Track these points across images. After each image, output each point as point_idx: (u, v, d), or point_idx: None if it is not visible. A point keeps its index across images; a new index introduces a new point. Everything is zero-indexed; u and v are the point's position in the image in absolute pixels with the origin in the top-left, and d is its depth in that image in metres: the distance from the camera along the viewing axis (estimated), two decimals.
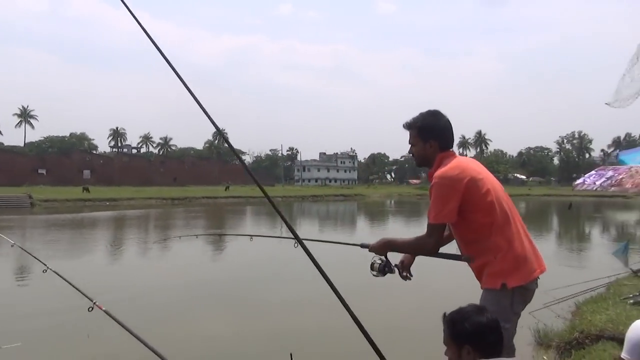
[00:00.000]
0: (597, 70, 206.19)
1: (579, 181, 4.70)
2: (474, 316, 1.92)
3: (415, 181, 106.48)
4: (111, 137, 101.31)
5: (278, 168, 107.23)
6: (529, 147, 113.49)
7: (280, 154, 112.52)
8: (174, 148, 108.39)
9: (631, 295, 5.96)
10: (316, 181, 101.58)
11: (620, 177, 4.73)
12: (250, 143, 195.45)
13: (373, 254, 2.71)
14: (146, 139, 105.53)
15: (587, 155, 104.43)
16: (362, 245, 2.81)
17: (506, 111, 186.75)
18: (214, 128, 2.53)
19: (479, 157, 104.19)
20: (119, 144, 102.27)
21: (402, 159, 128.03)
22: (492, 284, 2.47)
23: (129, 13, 2.57)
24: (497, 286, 2.44)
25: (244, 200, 46.49)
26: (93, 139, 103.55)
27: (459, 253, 2.67)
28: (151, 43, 2.55)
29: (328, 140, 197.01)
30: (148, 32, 2.54)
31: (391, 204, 49.01)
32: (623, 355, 2.52)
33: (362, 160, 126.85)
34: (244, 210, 35.14)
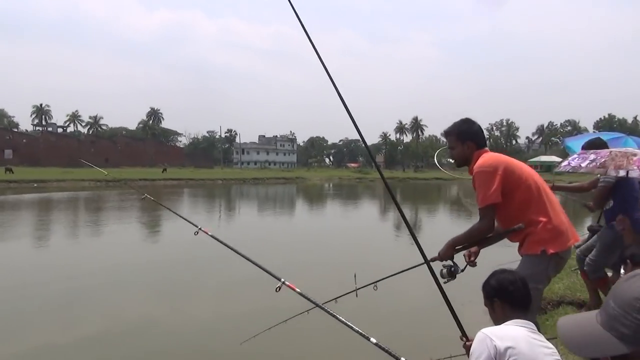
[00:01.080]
0: (525, 63, 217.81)
1: (564, 164, 5.11)
2: (498, 274, 2.31)
3: (353, 165, 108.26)
4: (34, 115, 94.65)
5: (216, 150, 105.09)
6: None
7: (218, 136, 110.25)
8: (104, 128, 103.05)
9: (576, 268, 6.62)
10: (255, 164, 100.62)
11: (603, 160, 5.10)
12: (187, 124, 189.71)
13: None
14: (74, 117, 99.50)
15: (513, 142, 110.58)
16: (432, 260, 2.88)
17: (440, 98, 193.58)
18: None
19: (415, 142, 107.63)
20: (44, 123, 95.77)
21: (341, 143, 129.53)
22: (532, 250, 2.88)
23: None
24: (537, 252, 2.85)
25: (183, 182, 45.41)
26: (13, 117, 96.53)
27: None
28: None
29: (267, 123, 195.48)
30: None
31: (330, 187, 49.74)
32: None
33: (302, 144, 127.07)
34: (183, 193, 34.41)
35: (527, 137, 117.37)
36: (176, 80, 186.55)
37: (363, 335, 2.36)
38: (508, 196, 2.89)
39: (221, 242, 3.28)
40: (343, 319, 2.54)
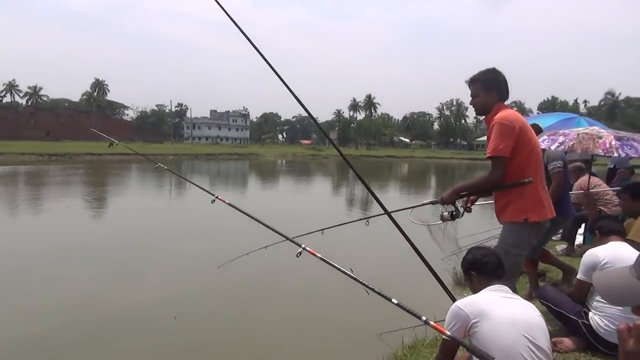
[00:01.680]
0: (472, 45, 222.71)
1: None
2: (473, 250, 2.62)
3: (306, 141, 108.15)
4: None
5: (165, 125, 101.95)
6: (412, 112, 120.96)
7: (167, 110, 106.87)
8: (45, 99, 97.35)
9: None
10: (207, 139, 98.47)
11: (572, 143, 5.24)
12: (134, 97, 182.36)
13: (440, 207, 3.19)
14: (11, 86, 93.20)
15: (462, 121, 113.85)
16: (433, 202, 3.26)
17: (394, 77, 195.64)
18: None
19: (368, 119, 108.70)
20: None
21: (294, 119, 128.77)
22: (516, 217, 3.03)
23: None
24: (520, 219, 3.00)
25: (133, 157, 43.85)
26: None
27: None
28: None
29: (219, 97, 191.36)
30: None
31: (282, 163, 49.72)
32: (579, 276, 3.38)
33: (255, 120, 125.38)
34: (132, 168, 33.39)
35: (475, 117, 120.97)
36: (121, 51, 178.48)
37: (384, 297, 2.43)
38: (513, 154, 2.98)
39: (238, 209, 3.38)
40: (365, 282, 2.60)
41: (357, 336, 4.93)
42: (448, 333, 2.24)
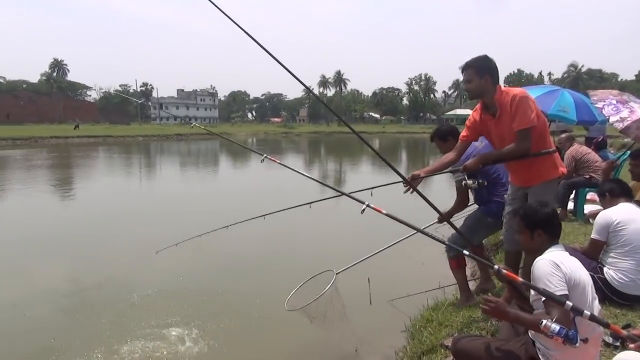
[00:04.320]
0: (442, 16, 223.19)
1: (613, 117, 4.91)
2: (542, 209, 2.57)
3: (276, 119, 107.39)
4: None
5: (131, 105, 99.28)
6: (382, 88, 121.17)
7: (132, 90, 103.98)
8: (1, 80, 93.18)
9: None
10: (175, 119, 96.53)
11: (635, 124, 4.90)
12: (97, 77, 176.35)
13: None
14: None
15: (431, 96, 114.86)
16: (454, 170, 3.58)
17: (362, 51, 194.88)
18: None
19: (338, 95, 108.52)
20: None
21: (263, 97, 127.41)
22: (552, 174, 3.42)
23: None
24: (556, 175, 3.43)
25: (100, 139, 42.81)
26: None
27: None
28: None
29: (186, 76, 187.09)
30: None
31: (253, 142, 49.48)
32: (593, 236, 3.72)
33: (223, 98, 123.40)
34: (100, 151, 32.75)
35: (444, 91, 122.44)
36: (79, 30, 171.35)
37: (488, 265, 2.69)
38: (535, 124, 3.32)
39: (289, 167, 3.57)
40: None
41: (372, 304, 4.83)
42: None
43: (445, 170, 3.63)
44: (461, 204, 4.09)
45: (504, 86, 3.47)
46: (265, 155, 3.65)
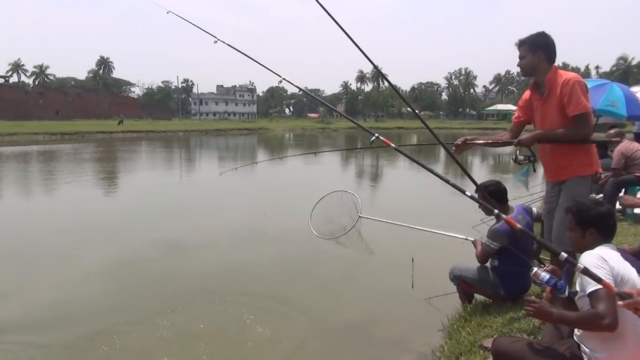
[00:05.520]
0: (484, 14, 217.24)
1: None
2: (596, 207, 2.43)
3: (313, 115, 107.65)
4: None
5: (172, 101, 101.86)
6: (420, 83, 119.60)
7: (174, 86, 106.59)
8: (51, 78, 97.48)
9: None
10: (215, 115, 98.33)
11: None
12: (140, 74, 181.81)
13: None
14: (17, 66, 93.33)
15: (471, 91, 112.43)
16: (508, 144, 3.56)
17: (401, 47, 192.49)
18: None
19: (375, 91, 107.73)
20: None
21: (300, 93, 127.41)
22: (585, 171, 3.30)
23: None
24: (591, 172, 3.31)
25: (143, 135, 44.09)
26: None
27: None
28: None
29: (225, 73, 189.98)
30: None
31: (290, 137, 49.78)
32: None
33: (261, 94, 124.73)
34: (144, 145, 33.69)
35: (485, 86, 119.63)
36: (123, 27, 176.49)
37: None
38: None
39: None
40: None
41: (408, 300, 5.12)
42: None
43: (499, 143, 3.72)
44: None
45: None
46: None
